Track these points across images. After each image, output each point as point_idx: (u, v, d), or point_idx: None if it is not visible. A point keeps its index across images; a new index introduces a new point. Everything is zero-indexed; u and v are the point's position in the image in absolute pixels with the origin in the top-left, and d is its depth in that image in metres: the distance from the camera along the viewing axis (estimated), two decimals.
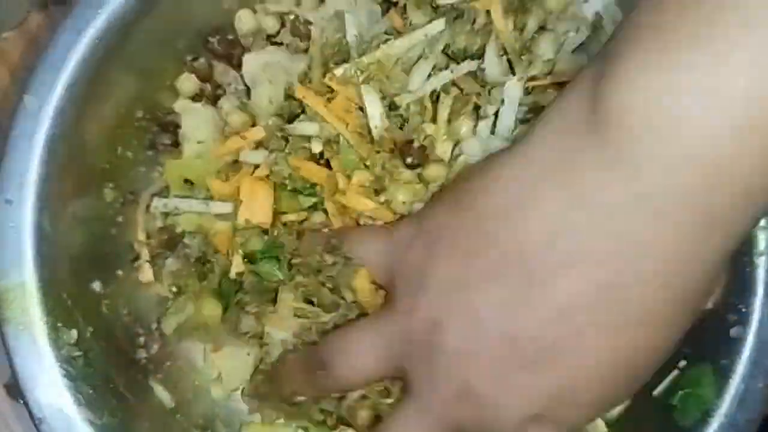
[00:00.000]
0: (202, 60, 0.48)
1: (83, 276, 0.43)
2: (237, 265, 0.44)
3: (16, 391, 0.47)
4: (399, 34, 0.44)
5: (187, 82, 0.48)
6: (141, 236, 0.47)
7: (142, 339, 0.46)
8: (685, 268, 0.31)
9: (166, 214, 0.47)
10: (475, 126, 0.43)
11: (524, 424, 0.34)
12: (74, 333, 0.40)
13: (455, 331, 0.34)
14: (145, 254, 0.47)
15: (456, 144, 0.43)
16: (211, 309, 0.44)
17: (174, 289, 0.47)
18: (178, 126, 0.47)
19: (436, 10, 0.44)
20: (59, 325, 0.40)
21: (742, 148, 0.28)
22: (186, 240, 0.47)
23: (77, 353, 0.40)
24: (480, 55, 0.43)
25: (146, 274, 0.47)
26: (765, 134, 0.27)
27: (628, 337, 0.32)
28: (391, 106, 0.43)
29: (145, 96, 0.46)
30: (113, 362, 0.43)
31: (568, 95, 0.33)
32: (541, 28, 0.45)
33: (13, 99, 0.57)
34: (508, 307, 0.33)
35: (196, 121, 0.47)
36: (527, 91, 0.43)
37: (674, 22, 0.28)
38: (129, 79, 0.45)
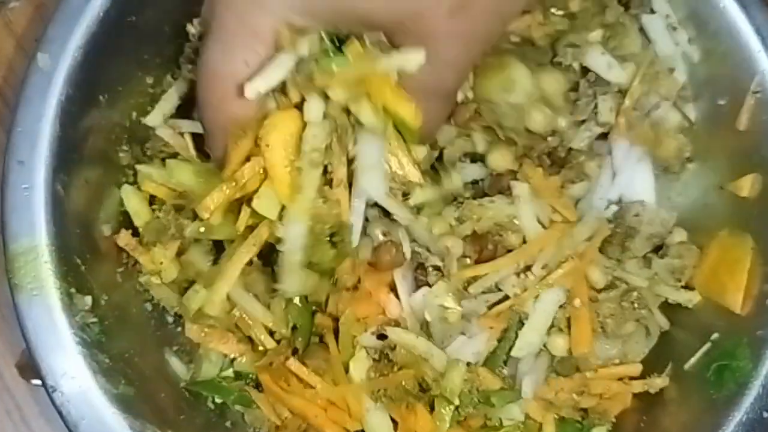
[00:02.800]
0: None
1: (97, 243, 0.41)
2: None
3: (28, 371, 0.45)
4: None
5: None
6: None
7: (155, 311, 0.44)
8: None
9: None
10: None
11: None
12: (89, 299, 0.39)
13: None
14: None
15: None
16: None
17: None
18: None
19: None
20: (72, 291, 0.38)
21: None
22: None
23: (92, 320, 0.38)
24: None
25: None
26: None
27: None
28: None
29: (157, 60, 0.45)
30: (128, 332, 0.41)
31: None
32: None
33: (19, 69, 0.57)
34: None
35: None
36: None
37: None
38: (141, 42, 0.43)
